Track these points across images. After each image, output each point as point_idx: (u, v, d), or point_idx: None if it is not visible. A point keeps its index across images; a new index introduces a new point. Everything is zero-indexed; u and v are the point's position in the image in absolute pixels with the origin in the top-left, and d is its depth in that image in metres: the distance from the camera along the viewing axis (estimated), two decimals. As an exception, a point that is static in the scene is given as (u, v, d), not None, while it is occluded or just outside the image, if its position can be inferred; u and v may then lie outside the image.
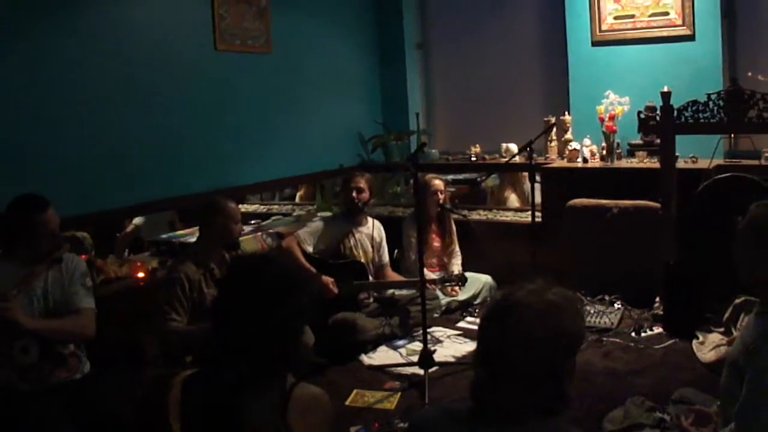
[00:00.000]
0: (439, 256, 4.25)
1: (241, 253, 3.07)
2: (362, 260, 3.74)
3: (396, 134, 5.13)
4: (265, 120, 4.32)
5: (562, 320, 1.17)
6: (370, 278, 3.76)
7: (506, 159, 4.41)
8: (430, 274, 4.01)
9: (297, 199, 5.76)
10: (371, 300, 3.80)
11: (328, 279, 3.55)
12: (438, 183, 4.14)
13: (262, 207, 5.47)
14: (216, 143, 3.96)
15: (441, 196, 4.12)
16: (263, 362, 1.30)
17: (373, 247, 3.84)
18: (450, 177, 5.14)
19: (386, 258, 3.96)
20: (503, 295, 1.25)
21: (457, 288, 3.93)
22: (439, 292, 3.89)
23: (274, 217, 4.82)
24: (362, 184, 3.79)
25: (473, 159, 4.86)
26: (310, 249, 3.67)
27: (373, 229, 3.87)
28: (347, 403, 2.92)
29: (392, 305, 3.75)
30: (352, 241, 3.77)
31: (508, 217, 4.59)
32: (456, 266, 4.21)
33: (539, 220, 3.98)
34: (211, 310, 1.40)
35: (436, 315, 3.91)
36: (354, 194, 3.77)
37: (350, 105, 5.09)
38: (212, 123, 3.94)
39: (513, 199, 5.02)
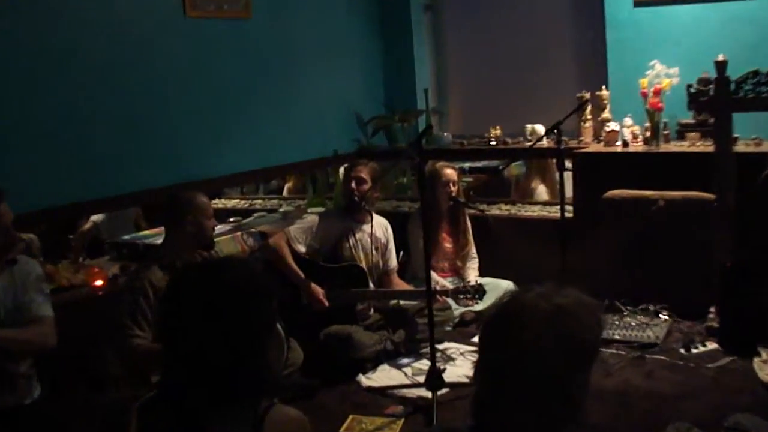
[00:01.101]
0: (452, 259, 4.30)
1: (216, 254, 3.13)
2: (362, 264, 3.79)
3: (401, 114, 5.16)
4: (246, 99, 4.37)
5: (575, 327, 1.21)
6: (371, 285, 3.81)
7: (532, 143, 4.43)
8: (440, 280, 4.07)
9: (284, 192, 5.80)
10: (371, 311, 3.85)
11: (317, 290, 3.60)
12: (450, 172, 4.19)
13: (243, 202, 5.52)
14: (187, 127, 4.02)
15: (453, 188, 4.17)
16: (225, 384, 1.33)
17: (376, 249, 3.89)
18: (466, 165, 5.17)
19: (393, 263, 4.01)
20: (508, 299, 1.30)
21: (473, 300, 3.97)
22: (451, 302, 3.93)
23: (256, 214, 4.88)
24: (364, 173, 3.84)
25: (493, 143, 4.89)
26: (302, 249, 3.73)
27: (377, 228, 3.92)
28: (341, 430, 2.97)
29: (398, 316, 3.80)
30: (351, 241, 3.83)
31: (534, 212, 4.63)
32: (472, 271, 4.26)
33: (570, 215, 4.01)
34: (157, 329, 1.43)
35: (448, 328, 3.96)
36: (353, 185, 3.82)
37: (346, 80, 5.13)
38: (182, 103, 3.99)
39: (541, 191, 5.04)
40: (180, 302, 1.38)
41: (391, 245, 4.01)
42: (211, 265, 1.47)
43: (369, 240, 3.87)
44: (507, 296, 1.30)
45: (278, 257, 3.63)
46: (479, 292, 3.65)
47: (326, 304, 3.59)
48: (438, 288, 3.74)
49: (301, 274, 3.61)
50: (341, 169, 4.86)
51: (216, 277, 1.38)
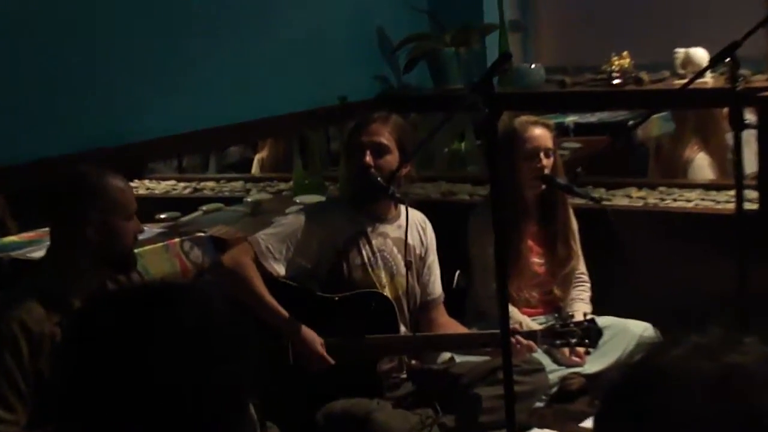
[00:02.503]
0: (544, 283, 4.33)
1: (139, 277, 3.15)
2: (386, 292, 3.82)
3: (456, 34, 5.17)
4: (188, 16, 4.40)
5: (755, 400, 1.20)
6: (403, 329, 3.82)
7: (686, 81, 4.41)
8: (524, 320, 4.07)
9: (254, 169, 5.88)
10: (404, 374, 3.87)
11: (312, 338, 3.62)
12: (540, 134, 4.19)
13: (183, 186, 5.60)
14: (89, 60, 4.04)
15: (546, 161, 4.17)
16: None
17: (409, 265, 3.90)
18: (569, 120, 5.15)
19: (437, 289, 4.05)
20: (644, 357, 1.29)
21: (582, 350, 3.97)
22: (545, 357, 3.95)
23: (206, 207, 4.90)
24: (384, 136, 3.84)
25: (616, 82, 4.88)
26: (279, 270, 3.75)
27: (411, 230, 3.91)
28: None
29: (449, 383, 3.82)
30: (364, 254, 3.85)
31: (690, 201, 4.62)
32: (579, 303, 4.28)
33: (754, 206, 4.00)
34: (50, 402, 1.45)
35: (539, 404, 3.96)
36: (368, 157, 3.83)
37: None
38: (79, 21, 4.01)
39: (701, 164, 5.07)
40: (97, 364, 1.39)
41: (434, 259, 4.03)
42: (147, 297, 1.48)
43: (397, 250, 3.88)
44: (642, 351, 1.29)
45: (239, 284, 3.64)
46: (591, 335, 3.66)
47: (330, 361, 3.62)
48: (521, 331, 3.72)
49: (283, 312, 3.63)
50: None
51: (155, 319, 1.40)
